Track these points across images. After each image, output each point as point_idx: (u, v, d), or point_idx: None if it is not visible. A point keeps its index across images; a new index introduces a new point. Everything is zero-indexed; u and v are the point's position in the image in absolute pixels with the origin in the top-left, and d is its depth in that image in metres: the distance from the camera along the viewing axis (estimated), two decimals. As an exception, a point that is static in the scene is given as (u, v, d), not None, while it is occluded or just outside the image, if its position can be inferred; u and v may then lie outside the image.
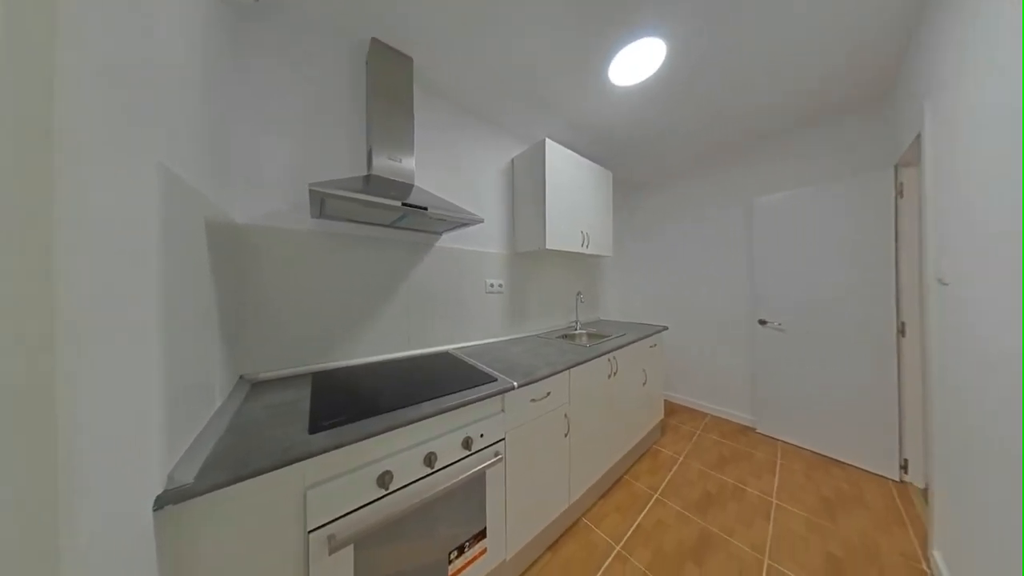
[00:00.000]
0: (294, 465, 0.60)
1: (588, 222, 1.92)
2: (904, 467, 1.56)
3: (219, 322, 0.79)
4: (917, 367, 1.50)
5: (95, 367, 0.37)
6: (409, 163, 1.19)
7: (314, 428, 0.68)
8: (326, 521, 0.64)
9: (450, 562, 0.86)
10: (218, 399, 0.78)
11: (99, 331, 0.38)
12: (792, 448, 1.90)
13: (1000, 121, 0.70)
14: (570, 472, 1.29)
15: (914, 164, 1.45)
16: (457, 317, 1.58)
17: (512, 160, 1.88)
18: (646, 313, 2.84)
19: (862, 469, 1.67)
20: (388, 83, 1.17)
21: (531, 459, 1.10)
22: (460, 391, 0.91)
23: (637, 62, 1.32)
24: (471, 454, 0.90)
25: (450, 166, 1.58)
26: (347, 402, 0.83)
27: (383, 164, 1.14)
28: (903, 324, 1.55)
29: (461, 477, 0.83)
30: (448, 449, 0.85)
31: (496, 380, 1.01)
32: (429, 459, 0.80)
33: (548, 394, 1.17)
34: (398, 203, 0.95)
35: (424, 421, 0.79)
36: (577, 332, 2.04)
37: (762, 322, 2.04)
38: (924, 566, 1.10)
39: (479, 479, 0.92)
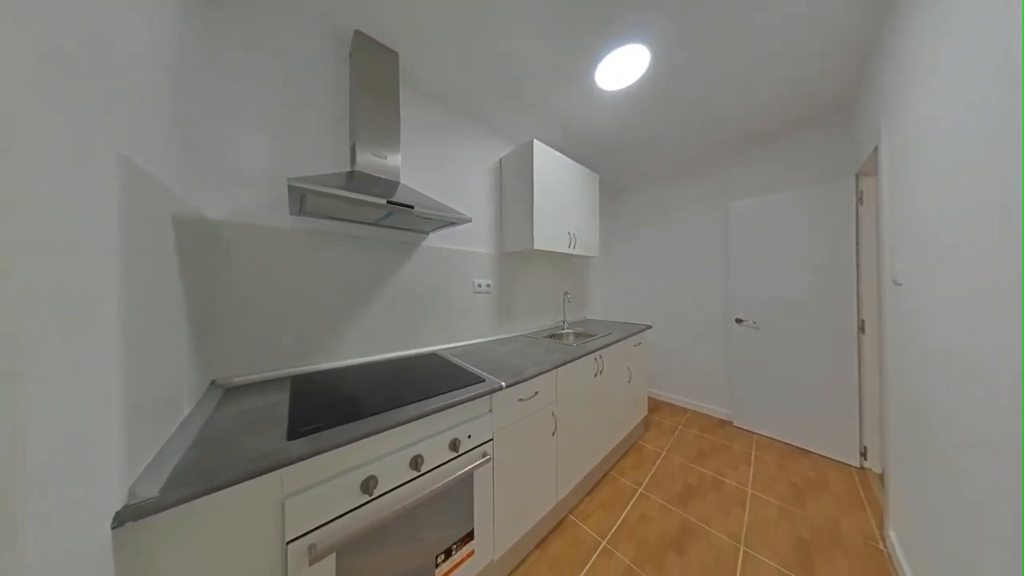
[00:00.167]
0: (271, 474, 0.58)
1: (575, 223, 1.95)
2: (864, 454, 1.69)
3: (188, 324, 0.75)
4: (875, 361, 1.62)
5: (45, 374, 0.34)
6: (395, 160, 1.16)
7: (293, 434, 0.65)
8: (306, 531, 0.62)
9: (437, 566, 0.85)
10: (186, 407, 0.73)
11: (50, 335, 0.35)
12: (766, 440, 2.01)
13: (943, 139, 0.77)
14: (557, 470, 1.30)
15: (873, 174, 1.57)
16: (444, 317, 1.56)
17: (500, 160, 1.88)
18: (630, 313, 2.91)
19: (827, 457, 1.79)
20: (373, 77, 1.14)
21: (519, 459, 1.11)
22: (447, 392, 0.90)
23: (623, 67, 1.35)
24: (458, 456, 0.89)
25: (437, 164, 1.56)
26: (328, 406, 0.80)
27: (367, 160, 1.11)
28: (863, 322, 1.68)
29: (448, 479, 0.82)
30: (435, 451, 0.83)
31: (484, 380, 1.01)
32: (415, 462, 0.78)
33: (536, 393, 1.18)
34: (383, 201, 0.92)
35: (410, 424, 0.78)
36: (564, 332, 2.07)
37: (738, 321, 2.14)
38: (881, 545, 1.19)
39: (467, 480, 0.91)
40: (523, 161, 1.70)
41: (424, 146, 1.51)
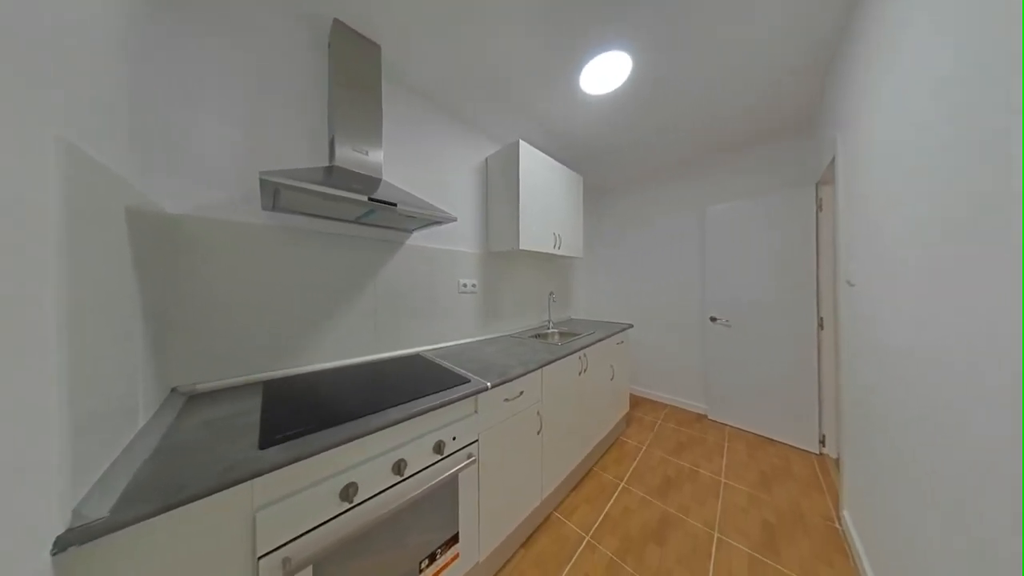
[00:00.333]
0: (240, 486, 0.54)
1: (560, 224, 1.98)
2: (822, 441, 1.83)
3: (144, 327, 0.69)
4: (832, 356, 1.76)
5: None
6: (377, 156, 1.13)
7: (265, 442, 0.61)
8: (280, 544, 0.58)
9: (421, 571, 0.83)
10: (142, 417, 0.67)
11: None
12: (737, 431, 2.13)
13: (887, 156, 0.85)
14: (543, 469, 1.31)
15: (830, 183, 1.71)
16: (429, 318, 1.53)
17: (486, 159, 1.87)
18: (613, 312, 2.99)
19: (791, 445, 1.92)
20: (353, 70, 1.10)
21: (505, 459, 1.11)
22: (432, 394, 0.88)
23: (607, 73, 1.39)
24: (443, 458, 0.88)
25: (421, 162, 1.53)
26: (305, 412, 0.76)
27: (347, 156, 1.06)
28: (821, 319, 1.82)
29: (433, 483, 0.80)
30: (419, 455, 0.82)
31: (469, 381, 1.00)
32: (398, 467, 0.76)
33: (521, 393, 1.18)
34: (364, 198, 0.89)
35: (392, 427, 0.76)
36: (550, 331, 2.09)
37: (713, 319, 2.26)
38: (836, 524, 1.30)
39: (451, 483, 0.90)
40: (509, 161, 1.70)
41: (408, 143, 1.47)
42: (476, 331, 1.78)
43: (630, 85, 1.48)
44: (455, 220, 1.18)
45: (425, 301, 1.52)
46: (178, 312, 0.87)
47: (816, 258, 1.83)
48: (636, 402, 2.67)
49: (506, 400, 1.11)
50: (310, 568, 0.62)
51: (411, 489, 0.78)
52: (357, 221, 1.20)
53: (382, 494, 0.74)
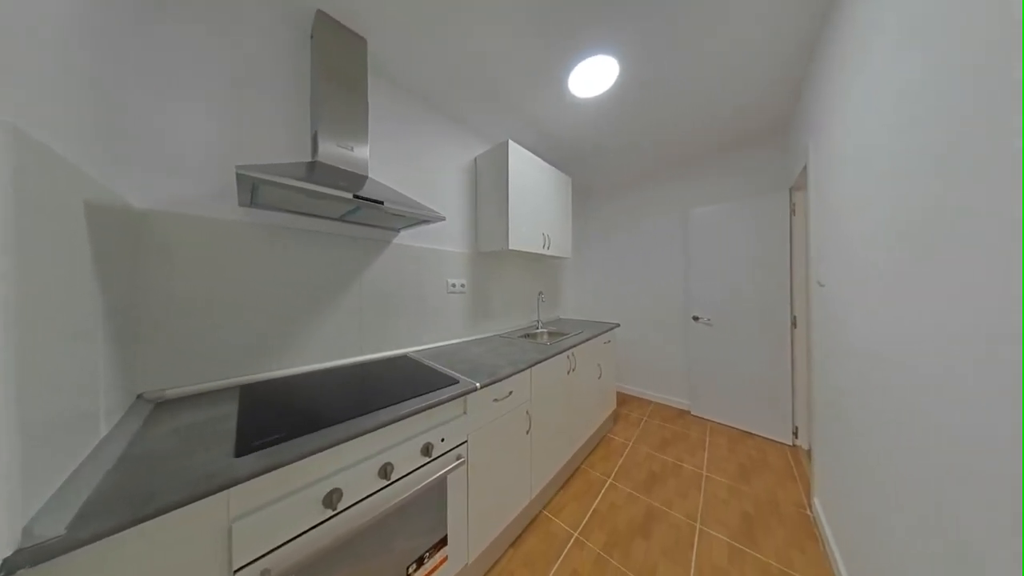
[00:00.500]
0: (215, 496, 0.51)
1: (549, 224, 1.99)
2: (795, 433, 1.93)
3: (106, 330, 0.64)
4: (804, 352, 1.86)
5: None
6: (362, 152, 1.10)
7: (242, 450, 0.58)
8: (258, 555, 0.56)
9: (408, 576, 0.82)
10: (104, 426, 0.63)
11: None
12: (719, 426, 2.21)
13: (853, 165, 0.91)
14: (532, 468, 1.32)
15: (803, 188, 1.80)
16: (416, 318, 1.51)
17: (475, 159, 1.86)
18: (600, 312, 3.05)
19: (767, 438, 2.02)
20: (337, 63, 1.07)
21: (494, 459, 1.11)
22: (419, 396, 0.87)
23: (594, 76, 1.41)
24: (431, 460, 0.86)
25: (409, 159, 1.51)
26: (286, 417, 0.73)
27: (332, 151, 1.03)
28: (795, 318, 1.92)
29: (421, 486, 0.79)
30: (406, 458, 0.80)
31: (458, 382, 0.99)
32: (385, 471, 0.75)
33: (510, 393, 1.18)
34: (349, 195, 0.87)
35: (379, 431, 0.74)
36: (539, 331, 2.10)
37: (695, 318, 2.34)
38: (808, 511, 1.37)
39: (440, 485, 0.89)
40: (498, 161, 1.70)
41: (395, 140, 1.44)
42: (465, 331, 1.77)
43: (617, 89, 1.51)
44: (444, 219, 1.17)
45: (413, 301, 1.49)
46: (145, 313, 0.82)
47: (790, 260, 1.93)
48: (623, 400, 2.72)
49: (495, 400, 1.11)
50: (291, 579, 0.60)
51: (398, 493, 0.77)
52: (341, 219, 1.17)
53: (368, 499, 0.72)
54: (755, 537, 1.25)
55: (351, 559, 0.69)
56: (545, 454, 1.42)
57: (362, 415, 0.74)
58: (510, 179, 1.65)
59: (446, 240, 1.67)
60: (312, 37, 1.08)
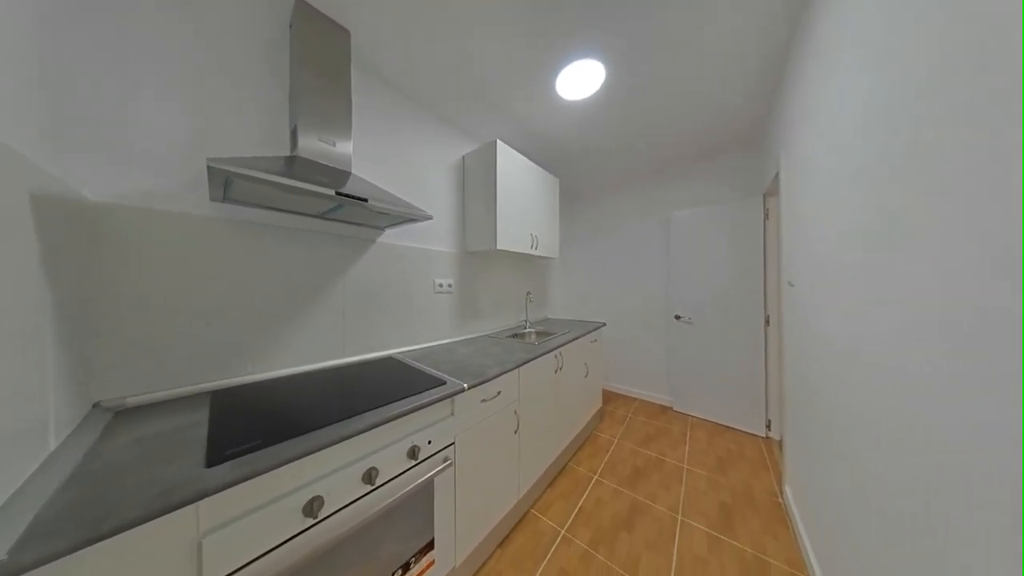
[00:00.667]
0: (183, 510, 0.48)
1: (537, 225, 2.01)
2: (768, 426, 2.04)
3: (57, 333, 0.59)
4: (776, 349, 1.97)
5: None
6: (345, 148, 1.06)
7: (213, 459, 0.55)
8: (232, 570, 0.53)
9: (394, 583, 0.80)
10: (54, 439, 0.58)
11: None
12: (699, 420, 2.30)
13: (821, 175, 0.98)
14: (519, 467, 1.32)
15: (775, 195, 1.91)
16: (402, 319, 1.47)
17: (463, 157, 1.84)
18: (587, 311, 3.10)
19: (743, 431, 2.12)
20: (319, 55, 1.03)
21: (481, 460, 1.10)
22: (405, 398, 0.85)
23: (581, 80, 1.43)
24: (418, 463, 0.85)
25: (395, 157, 1.47)
26: (262, 423, 0.70)
27: (312, 146, 0.99)
28: (768, 316, 2.03)
29: (407, 490, 0.77)
30: (391, 462, 0.78)
31: (445, 383, 0.98)
32: (369, 476, 0.72)
33: (499, 393, 1.18)
34: (331, 192, 0.84)
35: (363, 435, 0.72)
36: (527, 331, 2.11)
37: (677, 317, 2.42)
38: (780, 499, 1.46)
39: (427, 488, 0.88)
40: (486, 161, 1.69)
41: (380, 136, 1.41)
42: (452, 332, 1.75)
43: (603, 94, 1.54)
44: (431, 218, 1.15)
45: (398, 301, 1.46)
46: (104, 315, 0.76)
47: (763, 261, 2.03)
48: (609, 397, 2.78)
49: (483, 401, 1.10)
50: (268, 593, 0.57)
51: (383, 498, 0.75)
52: (323, 216, 1.12)
53: (351, 505, 0.70)
54: (732, 526, 1.31)
55: (334, 568, 0.67)
56: (533, 453, 1.42)
57: (345, 419, 0.72)
58: (498, 179, 1.65)
59: (433, 239, 1.65)
60: (291, 26, 1.03)
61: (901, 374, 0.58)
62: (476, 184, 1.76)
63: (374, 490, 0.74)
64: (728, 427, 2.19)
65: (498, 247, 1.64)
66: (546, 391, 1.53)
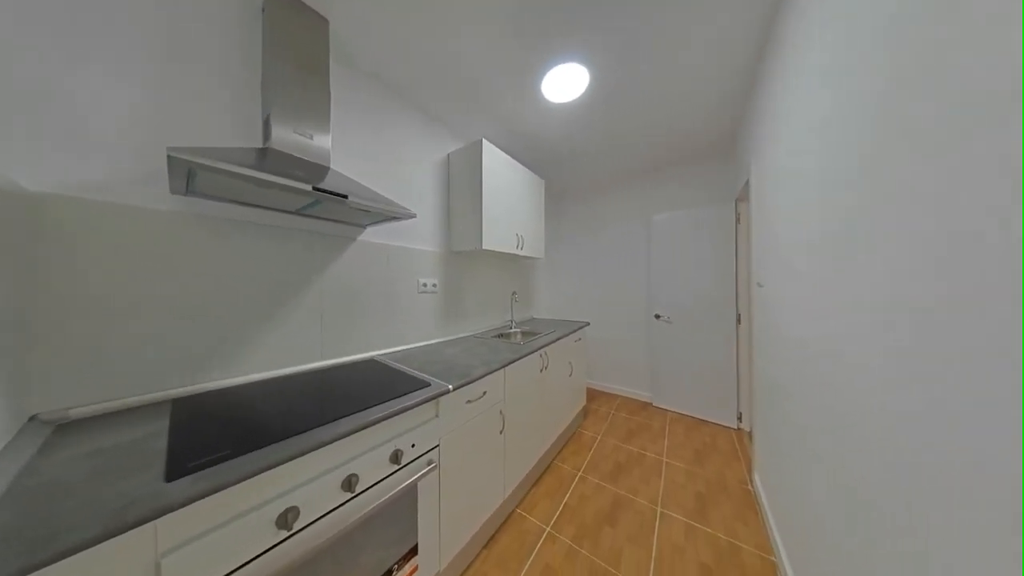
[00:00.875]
0: (136, 529, 0.44)
1: (523, 225, 2.01)
2: (739, 418, 2.16)
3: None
4: (747, 346, 2.09)
5: None
6: (323, 141, 1.02)
7: (174, 472, 0.51)
8: (195, 591, 0.49)
9: (375, 592, 0.77)
10: (-19, 457, 0.51)
11: None
12: (677, 415, 2.40)
13: (785, 182, 1.05)
14: (505, 467, 1.32)
15: (746, 200, 2.03)
16: (384, 320, 1.43)
17: (448, 155, 1.82)
18: (571, 311, 3.15)
19: (717, 424, 2.23)
20: (294, 43, 0.98)
21: (467, 461, 1.09)
22: (387, 401, 0.83)
23: (566, 83, 1.45)
24: (401, 468, 0.83)
25: (377, 152, 1.43)
26: (231, 431, 0.65)
27: (287, 138, 0.94)
28: (739, 315, 2.15)
29: (389, 495, 0.75)
30: (373, 467, 0.76)
31: (430, 385, 0.96)
32: (349, 483, 0.70)
33: (484, 394, 1.18)
34: (308, 187, 0.80)
35: (342, 440, 0.69)
36: (512, 331, 2.11)
37: (657, 316, 2.51)
38: (749, 487, 1.55)
39: (410, 493, 0.86)
40: (472, 160, 1.68)
41: (362, 131, 1.36)
42: (437, 332, 1.72)
43: (587, 98, 1.57)
44: (414, 216, 1.13)
45: (380, 302, 1.42)
46: (45, 320, 0.68)
47: (735, 263, 2.15)
48: (592, 395, 2.84)
49: (468, 402, 1.09)
50: (237, 612, 0.54)
51: (364, 505, 0.72)
52: (299, 213, 1.07)
53: (330, 515, 0.67)
54: (707, 514, 1.38)
55: (310, 582, 0.64)
56: (518, 453, 1.43)
57: (322, 425, 0.69)
58: (484, 178, 1.64)
59: (417, 238, 1.62)
60: (263, 11, 0.98)
61: (860, 370, 0.63)
62: (461, 183, 1.74)
63: (354, 497, 0.72)
64: (704, 420, 2.30)
65: (484, 247, 1.64)
66: (532, 390, 1.54)
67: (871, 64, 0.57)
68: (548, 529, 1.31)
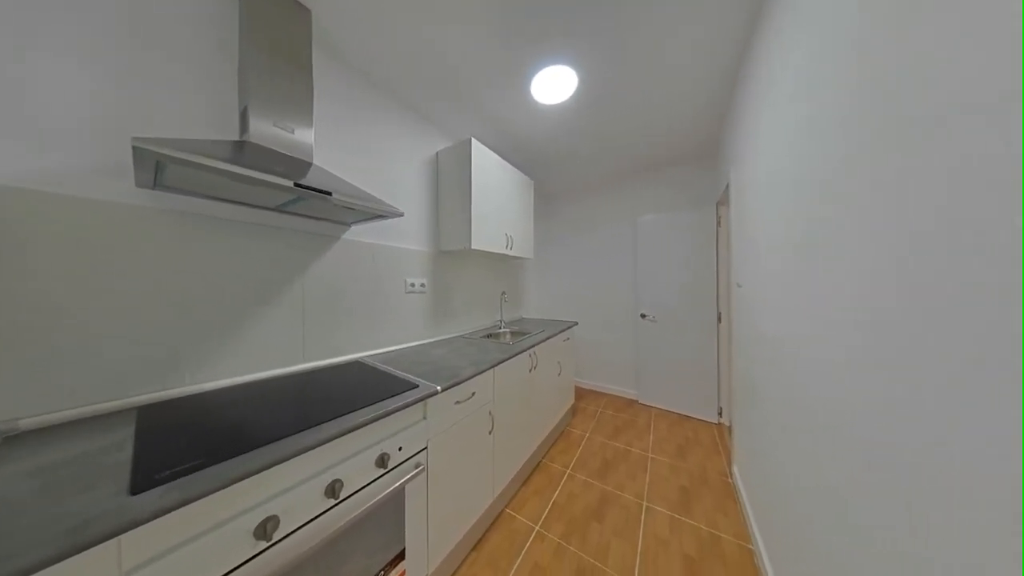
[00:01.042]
0: (96, 548, 0.41)
1: (512, 225, 2.02)
2: (720, 413, 2.25)
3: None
4: (727, 343, 2.18)
5: None
6: (305, 136, 0.98)
7: (140, 485, 0.48)
8: (165, 609, 0.47)
9: (360, 600, 0.75)
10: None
11: None
12: (661, 412, 2.47)
13: (761, 188, 1.10)
14: (494, 467, 1.32)
15: (726, 204, 2.11)
16: (370, 320, 1.40)
17: (437, 153, 1.79)
18: (560, 311, 3.18)
19: (699, 419, 2.32)
20: (274, 31, 0.94)
21: (455, 463, 1.08)
22: (373, 404, 0.81)
23: (556, 85, 1.47)
24: (387, 472, 0.81)
25: (364, 149, 1.39)
26: (205, 439, 0.62)
27: (266, 132, 0.90)
28: (720, 314, 2.24)
29: (375, 500, 0.73)
30: (358, 472, 0.74)
31: (417, 386, 0.95)
32: (333, 489, 0.68)
33: (473, 394, 1.17)
34: (289, 183, 0.77)
35: (325, 446, 0.67)
36: (502, 331, 2.11)
37: (642, 316, 2.58)
38: (729, 478, 1.61)
39: (397, 497, 0.84)
40: (461, 158, 1.67)
41: (347, 126, 1.32)
42: (425, 333, 1.70)
43: (575, 100, 1.59)
44: (401, 215, 1.10)
45: (366, 302, 1.38)
46: (-14, 321, 0.62)
47: (716, 264, 2.24)
48: (580, 394, 2.88)
49: (457, 403, 1.08)
50: (211, 629, 0.51)
51: (349, 511, 0.70)
52: (279, 209, 1.03)
53: (312, 523, 0.65)
54: (690, 507, 1.43)
55: (291, 593, 0.62)
56: (507, 453, 1.43)
57: (304, 430, 0.67)
58: (473, 177, 1.63)
59: (404, 237, 1.59)
60: (241, -3, 0.93)
61: (825, 366, 0.67)
62: (450, 182, 1.72)
63: (338, 504, 0.69)
64: (687, 416, 2.38)
65: (473, 247, 1.63)
66: (521, 390, 1.55)
67: (837, 79, 0.61)
68: (537, 528, 1.32)
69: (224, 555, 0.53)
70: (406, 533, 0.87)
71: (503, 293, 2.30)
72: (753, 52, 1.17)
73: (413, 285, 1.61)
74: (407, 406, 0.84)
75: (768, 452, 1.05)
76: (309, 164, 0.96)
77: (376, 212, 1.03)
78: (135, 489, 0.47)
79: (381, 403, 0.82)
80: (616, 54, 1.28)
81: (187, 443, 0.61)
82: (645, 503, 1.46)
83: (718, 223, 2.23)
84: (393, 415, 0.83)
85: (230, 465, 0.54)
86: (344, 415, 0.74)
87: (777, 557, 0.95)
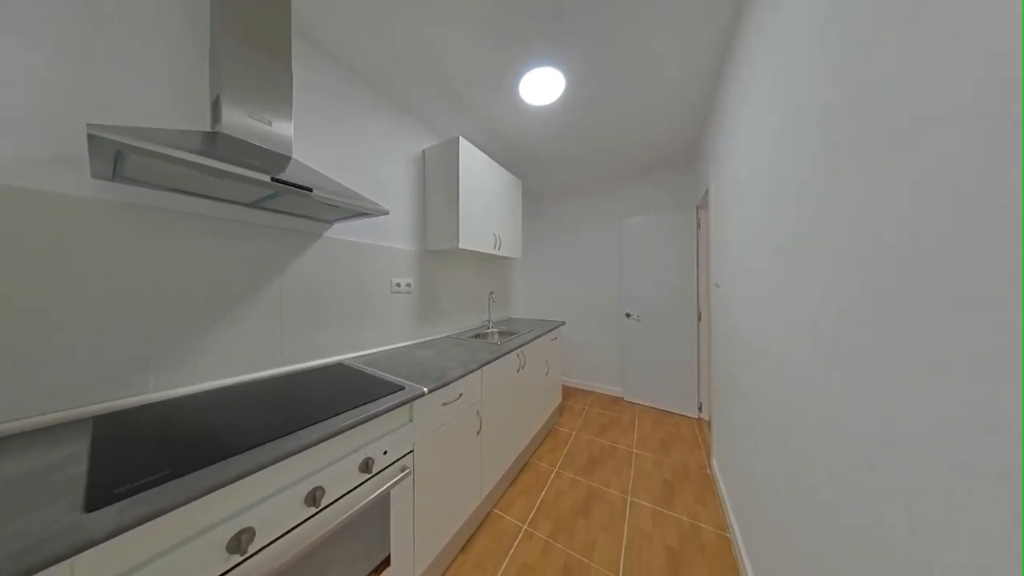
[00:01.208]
0: (47, 571, 0.38)
1: (500, 224, 2.01)
2: (700, 408, 2.34)
3: None
4: (706, 341, 2.27)
5: None
6: (284, 128, 0.94)
7: (96, 501, 0.44)
8: (125, 634, 0.43)
9: (343, 610, 0.73)
10: None
11: None
12: (645, 408, 2.54)
13: (739, 192, 1.15)
14: (482, 468, 1.31)
15: (706, 208, 2.20)
16: (355, 321, 1.36)
17: (424, 151, 1.76)
18: (547, 310, 3.21)
19: (681, 414, 2.40)
20: (248, 16, 0.89)
21: (442, 465, 1.07)
22: (356, 407, 0.79)
23: (543, 86, 1.47)
24: (372, 477, 0.79)
25: (347, 143, 1.35)
26: (172, 448, 0.58)
27: (240, 123, 0.85)
28: (700, 313, 2.33)
29: (358, 507, 0.71)
30: (340, 478, 0.72)
31: (403, 388, 0.93)
32: (313, 497, 0.65)
33: (460, 395, 1.16)
34: (266, 178, 0.73)
35: (304, 452, 0.65)
36: (490, 331, 2.10)
37: (627, 315, 2.64)
38: (708, 471, 1.68)
39: (381, 502, 0.82)
40: (448, 157, 1.65)
41: (330, 119, 1.28)
42: (412, 334, 1.67)
43: (562, 103, 1.61)
44: (387, 213, 1.08)
45: (350, 303, 1.34)
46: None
47: (696, 265, 2.33)
48: (568, 392, 2.91)
49: (444, 404, 1.07)
50: (178, 652, 0.48)
51: (331, 519, 0.68)
52: (255, 205, 0.98)
53: (291, 533, 0.62)
54: (672, 500, 1.48)
55: (267, 608, 0.59)
56: (495, 453, 1.42)
57: (282, 436, 0.64)
58: (461, 176, 1.62)
59: (390, 236, 1.55)
60: (212, -21, 0.88)
61: (793, 363, 0.71)
62: (437, 180, 1.70)
63: (319, 512, 0.67)
64: (669, 412, 2.46)
65: (460, 246, 1.61)
66: (509, 390, 1.55)
67: (808, 90, 0.65)
68: (525, 527, 1.33)
69: (193, 571, 0.49)
70: (391, 539, 0.85)
71: (491, 293, 2.29)
72: (735, 52, 1.20)
73: (399, 285, 1.58)
74: (392, 408, 0.82)
75: (742, 445, 1.10)
76: (288, 158, 0.92)
77: (360, 210, 1.00)
78: (90, 506, 0.44)
79: (365, 406, 0.79)
80: (602, 57, 1.30)
81: (151, 454, 0.57)
82: (630, 498, 1.50)
83: (698, 225, 2.31)
84: (378, 418, 0.80)
85: (199, 476, 0.51)
86: (326, 419, 0.72)
87: (751, 542, 1.00)
